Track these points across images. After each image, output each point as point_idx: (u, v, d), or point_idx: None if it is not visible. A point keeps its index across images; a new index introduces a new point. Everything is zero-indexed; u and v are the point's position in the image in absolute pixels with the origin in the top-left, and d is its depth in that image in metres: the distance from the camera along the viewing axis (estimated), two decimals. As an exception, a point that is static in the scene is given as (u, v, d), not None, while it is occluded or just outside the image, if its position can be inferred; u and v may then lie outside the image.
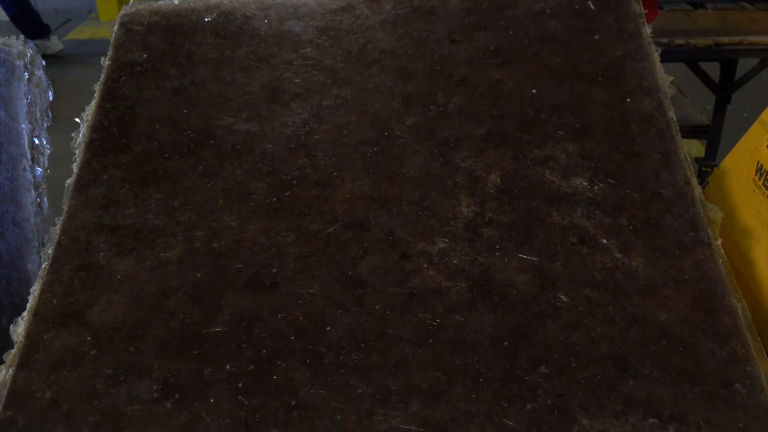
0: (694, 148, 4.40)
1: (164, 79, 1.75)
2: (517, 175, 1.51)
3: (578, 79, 1.66)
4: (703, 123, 4.08)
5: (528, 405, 1.22)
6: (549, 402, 1.22)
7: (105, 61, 1.79)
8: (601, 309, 1.32)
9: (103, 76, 1.76)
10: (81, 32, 8.00)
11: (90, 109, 1.70)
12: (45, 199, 1.81)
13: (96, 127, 1.66)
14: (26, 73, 1.83)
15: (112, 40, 1.83)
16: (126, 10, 1.90)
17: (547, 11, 1.80)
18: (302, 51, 1.78)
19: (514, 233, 1.43)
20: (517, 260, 1.39)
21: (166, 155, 1.61)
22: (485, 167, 1.53)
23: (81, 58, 7.26)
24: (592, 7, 1.79)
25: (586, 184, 1.48)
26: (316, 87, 1.71)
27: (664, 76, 1.66)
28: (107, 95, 1.72)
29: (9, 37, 1.88)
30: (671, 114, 1.59)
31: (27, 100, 1.82)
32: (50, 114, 1.87)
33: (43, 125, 1.85)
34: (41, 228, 1.78)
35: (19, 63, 1.82)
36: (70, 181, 1.58)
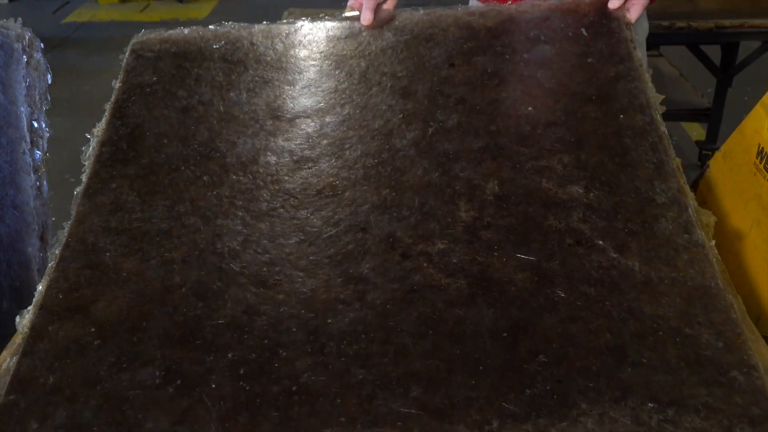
0: (695, 131, 4.31)
1: (173, 99, 1.76)
2: (515, 184, 1.51)
3: (572, 98, 1.66)
4: (704, 106, 4.02)
5: (527, 390, 1.20)
6: (548, 388, 1.20)
7: (116, 84, 1.80)
8: (598, 304, 1.30)
9: (113, 96, 1.77)
10: (80, 15, 7.60)
11: (100, 126, 1.70)
12: (44, 182, 1.79)
13: (105, 142, 1.66)
14: (25, 56, 1.81)
15: (123, 65, 1.85)
16: (137, 38, 1.92)
17: (542, 38, 1.81)
18: (306, 74, 1.79)
19: (512, 236, 1.42)
20: (515, 260, 1.38)
21: (173, 166, 1.61)
22: (483, 177, 1.52)
23: (80, 41, 6.91)
24: (585, 33, 1.80)
25: (581, 191, 1.47)
26: (320, 105, 1.72)
27: (655, 95, 1.65)
28: (117, 113, 1.73)
29: (7, 19, 1.87)
30: (663, 129, 1.58)
31: (26, 83, 1.80)
32: (49, 97, 1.86)
33: (42, 108, 1.83)
34: (41, 211, 1.76)
35: (18, 46, 1.80)
36: (78, 189, 1.57)
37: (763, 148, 1.52)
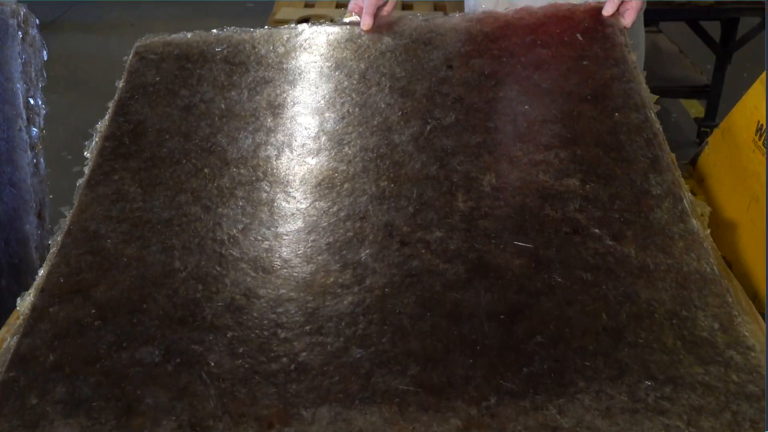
0: (694, 108, 4.27)
1: (175, 98, 1.75)
2: (512, 176, 1.50)
3: (568, 98, 1.66)
4: (703, 83, 3.98)
5: (525, 369, 1.18)
6: (545, 367, 1.18)
7: (120, 83, 1.79)
8: (595, 288, 1.29)
9: (117, 95, 1.76)
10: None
11: (103, 123, 1.69)
12: (41, 159, 1.76)
13: (108, 137, 1.65)
14: (20, 33, 1.78)
15: (126, 66, 1.84)
16: (141, 41, 1.92)
17: (538, 42, 1.81)
18: (307, 75, 1.79)
19: (509, 224, 1.41)
20: (512, 246, 1.36)
21: (175, 160, 1.60)
22: (480, 170, 1.51)
23: (74, 18, 6.66)
24: (581, 38, 1.79)
25: (578, 183, 1.46)
26: (319, 104, 1.71)
27: (650, 96, 1.65)
28: (120, 111, 1.72)
29: (2, -5, 1.84)
30: (658, 126, 1.57)
31: (21, 59, 1.77)
32: (45, 74, 1.83)
33: (38, 85, 1.81)
34: (38, 188, 1.73)
35: (13, 22, 1.77)
36: (80, 181, 1.55)
37: (762, 124, 1.51)
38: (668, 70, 3.88)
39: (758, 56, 3.68)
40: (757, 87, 1.60)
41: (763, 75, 1.57)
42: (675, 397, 1.14)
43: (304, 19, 3.55)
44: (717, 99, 3.94)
